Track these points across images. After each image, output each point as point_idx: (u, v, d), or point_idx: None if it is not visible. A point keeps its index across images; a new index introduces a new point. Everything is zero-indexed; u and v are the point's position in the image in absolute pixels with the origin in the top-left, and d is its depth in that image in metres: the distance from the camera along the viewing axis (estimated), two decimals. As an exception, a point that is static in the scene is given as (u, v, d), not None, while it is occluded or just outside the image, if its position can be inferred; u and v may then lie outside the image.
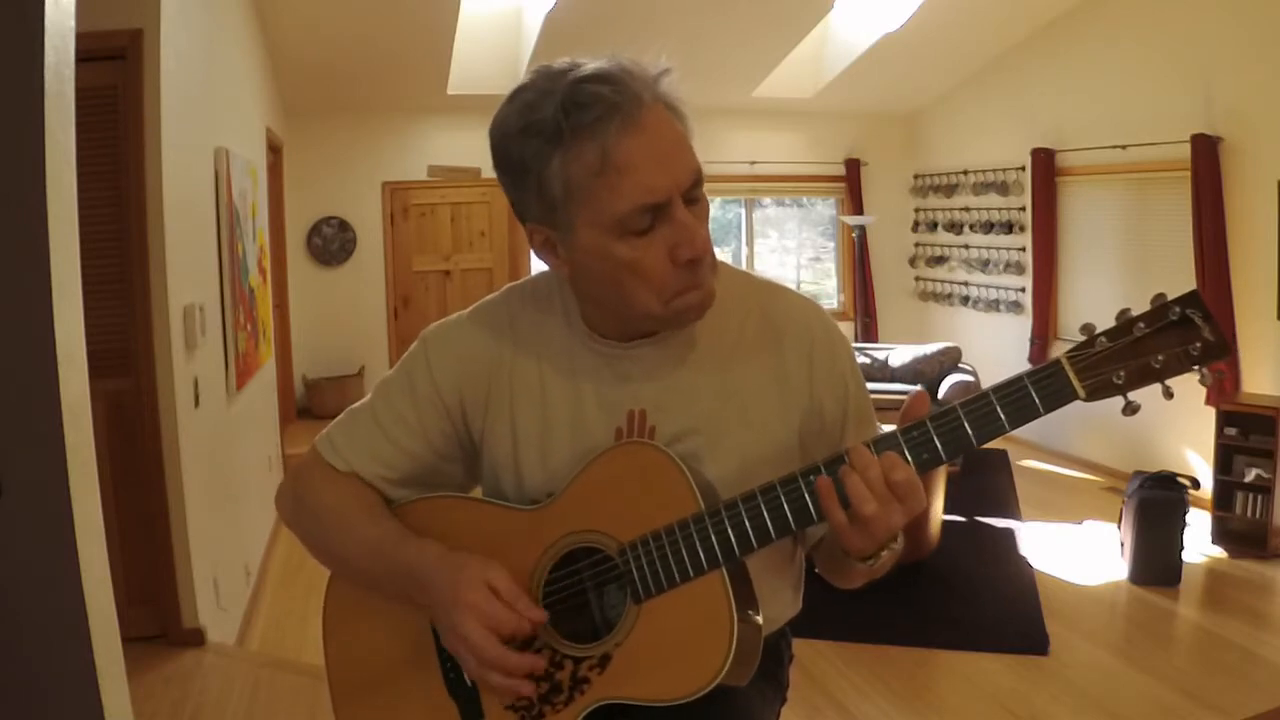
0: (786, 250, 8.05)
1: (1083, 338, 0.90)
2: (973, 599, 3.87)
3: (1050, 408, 0.88)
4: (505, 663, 0.95)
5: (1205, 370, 0.87)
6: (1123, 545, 4.18)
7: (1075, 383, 0.88)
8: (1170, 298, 0.88)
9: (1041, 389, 0.88)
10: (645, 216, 0.92)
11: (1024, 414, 0.89)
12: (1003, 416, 0.89)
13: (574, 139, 0.90)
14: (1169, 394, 0.89)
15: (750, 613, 0.98)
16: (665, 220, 0.93)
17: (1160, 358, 0.87)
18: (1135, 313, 0.89)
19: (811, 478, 0.93)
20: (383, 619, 1.09)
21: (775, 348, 1.07)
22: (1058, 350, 5.98)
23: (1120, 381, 0.87)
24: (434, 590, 0.99)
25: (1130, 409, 0.88)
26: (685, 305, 0.97)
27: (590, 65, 0.92)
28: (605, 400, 1.05)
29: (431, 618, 1.02)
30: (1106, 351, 0.88)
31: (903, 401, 5.41)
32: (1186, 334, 0.86)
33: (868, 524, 0.90)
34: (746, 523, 0.94)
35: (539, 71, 0.95)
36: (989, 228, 6.59)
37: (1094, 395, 0.88)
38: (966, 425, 0.90)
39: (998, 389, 0.90)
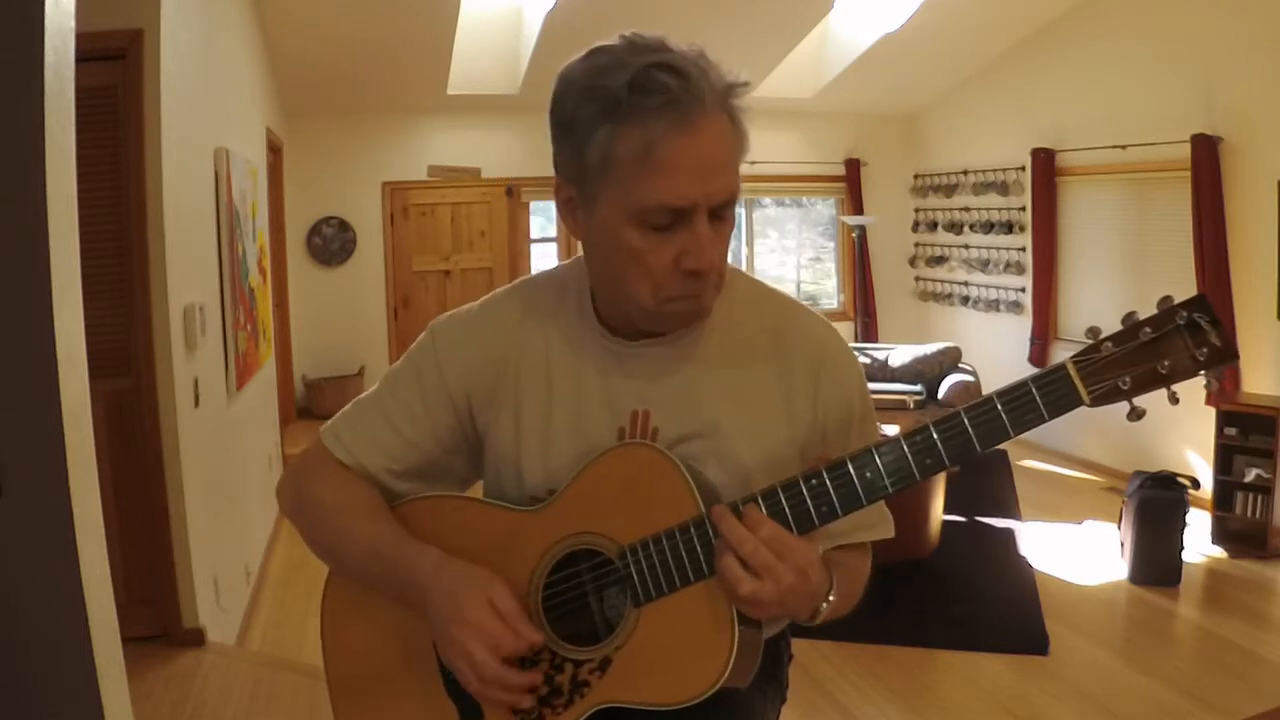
0: (786, 250, 8.04)
1: (1084, 338, 0.89)
2: (973, 599, 3.87)
3: (1055, 413, 0.88)
4: (506, 681, 0.95)
5: (1211, 375, 0.86)
6: (1123, 545, 4.18)
7: (1080, 388, 0.87)
8: (1176, 301, 0.87)
9: (1046, 394, 0.87)
10: (666, 216, 0.92)
11: (1028, 419, 0.88)
12: (1006, 421, 0.88)
13: (628, 119, 0.89)
14: (1175, 399, 0.88)
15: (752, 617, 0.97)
16: (684, 225, 0.92)
17: (1167, 363, 0.86)
18: (1141, 316, 0.88)
19: (813, 481, 0.93)
20: (382, 618, 1.08)
21: (784, 362, 1.06)
22: (1058, 350, 6.01)
23: (1126, 387, 0.87)
24: (431, 601, 0.98)
25: (1135, 414, 0.88)
26: (676, 311, 0.98)
27: (673, 53, 0.91)
28: (610, 399, 1.05)
29: (430, 627, 1.02)
30: (1112, 356, 0.87)
31: (903, 401, 5.42)
32: (1194, 339, 0.85)
33: (758, 603, 0.90)
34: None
35: (626, 38, 0.94)
36: (989, 228, 6.59)
37: (1099, 401, 0.88)
38: (970, 430, 0.89)
39: (1002, 394, 0.89)
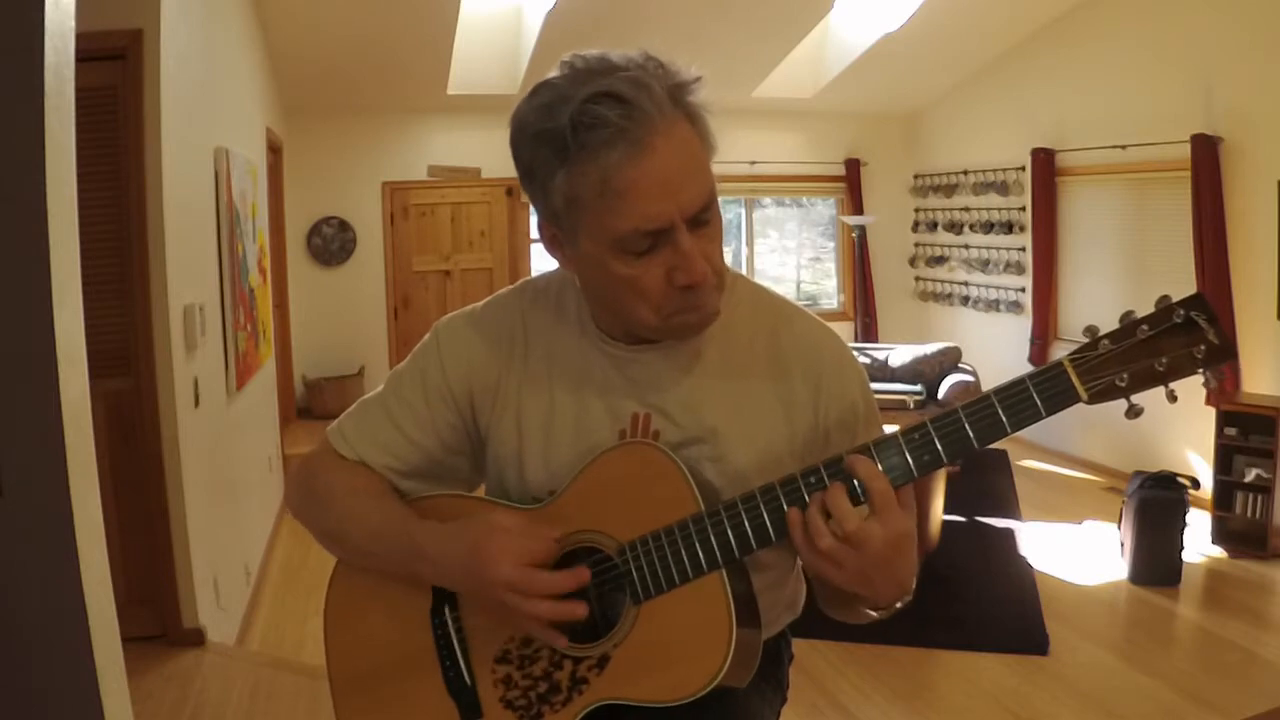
0: (786, 250, 8.04)
1: (1084, 338, 0.89)
2: (973, 599, 3.87)
3: (1052, 410, 0.88)
4: (549, 583, 0.95)
5: (1209, 374, 0.86)
6: (1123, 545, 4.18)
7: (1078, 385, 0.87)
8: (1174, 299, 0.87)
9: (1043, 391, 0.88)
10: (644, 240, 0.91)
11: (1025, 416, 0.88)
12: (1004, 418, 0.88)
13: (579, 158, 0.88)
14: (1173, 397, 0.88)
15: (750, 615, 0.97)
16: (666, 243, 0.91)
17: (1164, 360, 0.86)
18: (1139, 314, 0.88)
19: (811, 479, 0.93)
20: (384, 617, 1.09)
21: (783, 369, 1.06)
22: (1058, 350, 6.01)
23: (1123, 384, 0.87)
24: (446, 564, 0.99)
25: (1133, 412, 0.88)
26: (682, 323, 0.97)
27: (614, 75, 0.88)
28: (611, 402, 1.05)
29: (454, 588, 1.03)
30: (1110, 354, 0.87)
31: (903, 401, 5.42)
32: (1191, 337, 0.85)
33: (843, 563, 0.90)
34: (746, 524, 0.94)
35: (566, 68, 0.92)
36: (989, 228, 6.59)
37: (1097, 398, 0.88)
38: (968, 427, 0.89)
39: (999, 391, 0.89)
